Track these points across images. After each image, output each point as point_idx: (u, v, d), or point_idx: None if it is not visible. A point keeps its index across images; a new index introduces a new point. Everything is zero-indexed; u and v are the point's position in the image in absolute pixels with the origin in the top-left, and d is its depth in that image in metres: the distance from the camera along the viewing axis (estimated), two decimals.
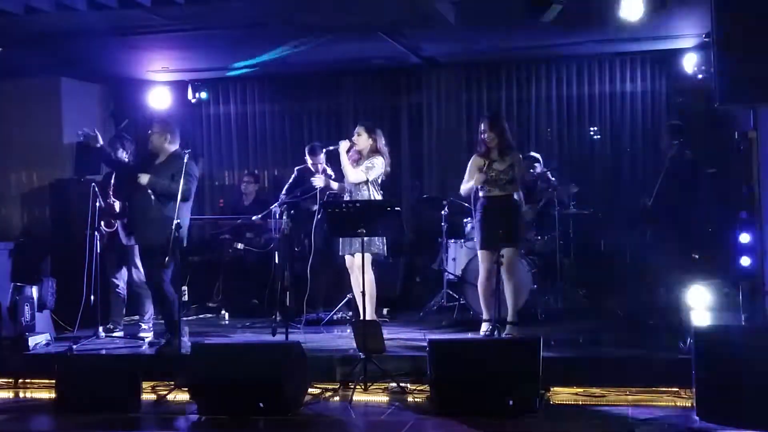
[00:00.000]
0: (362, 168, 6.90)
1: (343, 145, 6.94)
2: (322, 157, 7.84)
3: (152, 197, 6.61)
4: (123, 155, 7.53)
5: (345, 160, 6.91)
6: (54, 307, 7.86)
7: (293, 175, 8.26)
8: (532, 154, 8.60)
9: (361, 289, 6.46)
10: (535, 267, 7.76)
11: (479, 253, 6.81)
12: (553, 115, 9.32)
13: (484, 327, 6.77)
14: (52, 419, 5.79)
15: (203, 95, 9.71)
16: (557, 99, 9.30)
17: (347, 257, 6.95)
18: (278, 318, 7.30)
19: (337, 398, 5.88)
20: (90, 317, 7.40)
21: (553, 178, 8.23)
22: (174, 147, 6.90)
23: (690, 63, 8.26)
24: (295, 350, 5.77)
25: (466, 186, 6.80)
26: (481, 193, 6.76)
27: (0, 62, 7.82)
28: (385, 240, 6.88)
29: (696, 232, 7.64)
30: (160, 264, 6.56)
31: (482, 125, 6.79)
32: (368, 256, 6.74)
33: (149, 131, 7.04)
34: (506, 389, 5.26)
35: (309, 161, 8.14)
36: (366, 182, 6.88)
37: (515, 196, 6.74)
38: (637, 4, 6.58)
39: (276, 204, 8.03)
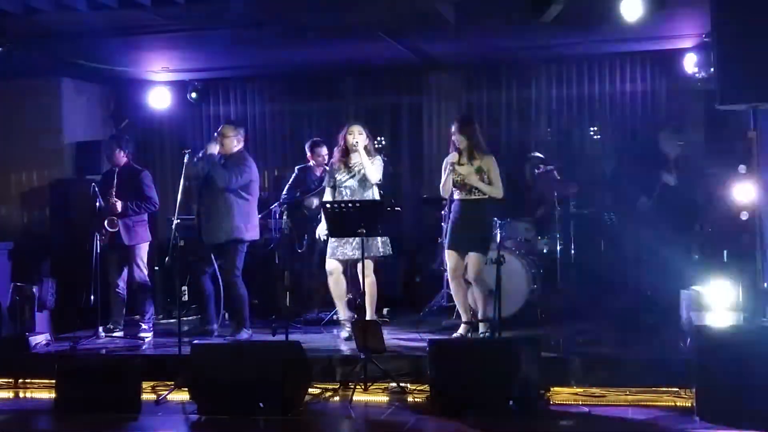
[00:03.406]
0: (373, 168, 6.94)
1: (362, 141, 6.92)
2: (324, 151, 7.88)
3: (226, 198, 6.97)
4: (121, 156, 7.54)
5: (366, 158, 6.89)
6: (54, 307, 7.86)
7: (294, 175, 8.26)
8: (536, 154, 8.59)
9: (341, 294, 6.63)
10: (535, 267, 7.76)
11: (445, 252, 6.88)
12: (553, 115, 9.32)
13: (461, 329, 6.80)
14: (52, 419, 5.79)
15: (194, 95, 9.71)
16: (557, 99, 9.28)
17: (332, 261, 6.95)
18: (278, 318, 7.30)
19: (337, 398, 5.88)
20: (90, 317, 7.40)
21: (559, 177, 8.21)
22: (239, 147, 7.23)
23: (690, 63, 8.26)
24: (295, 350, 5.77)
25: (441, 187, 6.83)
26: (454, 196, 6.81)
27: (0, 62, 7.81)
28: (388, 239, 6.90)
29: (696, 233, 7.64)
30: (231, 262, 7.03)
31: (452, 127, 6.80)
32: (370, 261, 6.80)
33: (219, 133, 7.21)
34: (506, 389, 5.27)
35: (309, 157, 8.15)
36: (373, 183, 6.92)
37: (484, 201, 6.68)
38: (636, 4, 6.58)
39: (276, 204, 8.03)
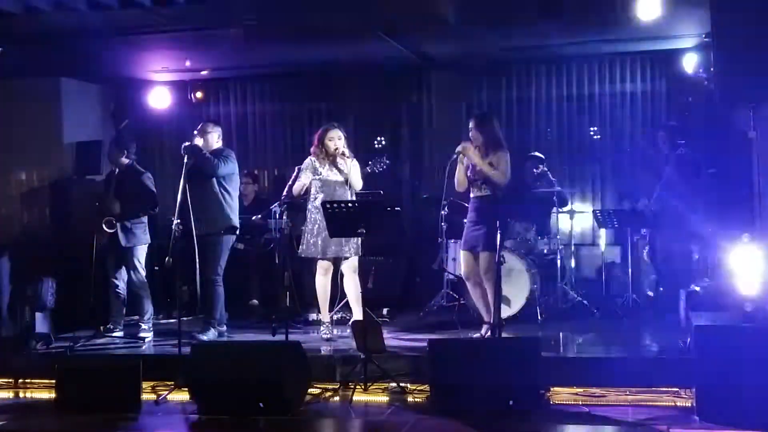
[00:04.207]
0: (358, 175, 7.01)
1: (342, 146, 6.99)
2: None
3: (213, 189, 7.10)
4: (122, 157, 7.53)
5: (355, 169, 6.95)
6: (54, 307, 7.86)
7: (294, 174, 8.25)
8: (536, 154, 8.60)
9: (328, 294, 6.78)
10: (536, 267, 7.77)
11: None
12: (553, 115, 9.32)
13: (483, 329, 6.77)
14: (52, 419, 5.78)
15: (199, 96, 9.71)
16: (557, 99, 9.29)
17: (324, 261, 6.99)
18: (278, 318, 7.30)
19: (337, 398, 5.88)
20: (90, 317, 7.40)
21: (554, 179, 8.23)
22: (219, 144, 7.39)
23: (690, 63, 8.26)
24: (295, 350, 5.77)
25: (455, 181, 6.80)
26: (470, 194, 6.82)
27: (0, 62, 7.81)
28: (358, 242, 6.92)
29: (696, 232, 7.64)
30: (212, 258, 7.05)
31: (470, 123, 6.81)
32: (355, 260, 6.87)
33: (200, 131, 7.32)
34: (506, 389, 5.26)
35: None
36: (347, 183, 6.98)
37: (495, 197, 6.61)
38: (654, 3, 6.55)
39: (276, 204, 8.03)
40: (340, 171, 7.00)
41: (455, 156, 6.65)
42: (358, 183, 7.03)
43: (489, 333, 6.63)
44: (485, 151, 6.65)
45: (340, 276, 7.19)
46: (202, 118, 9.92)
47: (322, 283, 7.05)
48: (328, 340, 6.96)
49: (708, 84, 7.68)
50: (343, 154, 6.95)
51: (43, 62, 8.47)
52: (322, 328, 7.09)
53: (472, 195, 6.77)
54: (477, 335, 6.73)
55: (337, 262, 7.06)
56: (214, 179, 7.12)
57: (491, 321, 6.63)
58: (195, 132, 7.36)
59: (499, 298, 6.27)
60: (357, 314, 6.88)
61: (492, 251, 6.51)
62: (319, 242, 6.93)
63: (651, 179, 7.87)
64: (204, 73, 9.40)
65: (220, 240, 7.13)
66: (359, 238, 6.79)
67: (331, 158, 7.02)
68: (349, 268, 6.92)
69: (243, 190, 9.18)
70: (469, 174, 6.69)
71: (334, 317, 7.63)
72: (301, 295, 8.05)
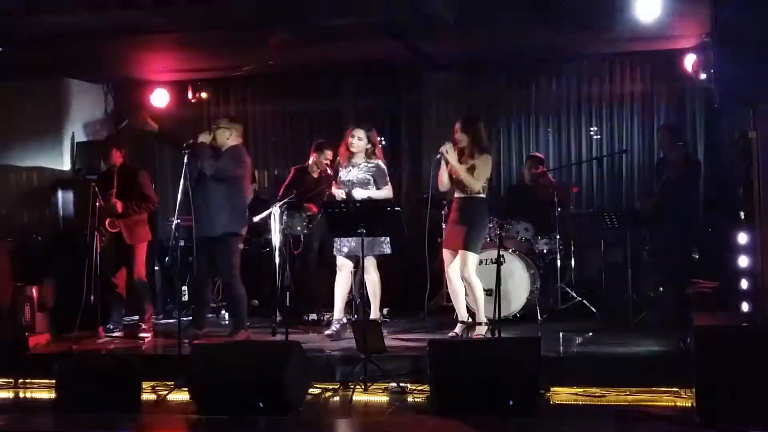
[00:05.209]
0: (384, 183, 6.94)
1: (361, 147, 6.92)
2: (329, 155, 7.90)
3: (218, 191, 6.90)
4: (118, 156, 7.53)
5: (376, 191, 6.88)
6: (54, 307, 7.86)
7: (291, 175, 8.27)
8: (536, 154, 8.59)
9: (344, 292, 6.66)
10: (535, 267, 7.77)
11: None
12: (552, 115, 9.32)
13: (456, 328, 6.78)
14: (52, 419, 5.78)
15: (204, 96, 9.71)
16: (557, 99, 9.29)
17: (341, 258, 6.96)
18: (278, 318, 7.30)
19: (337, 398, 5.88)
20: (90, 317, 7.40)
21: (554, 179, 8.24)
22: (233, 142, 7.11)
23: (690, 63, 8.26)
24: (295, 350, 5.77)
25: (439, 181, 6.80)
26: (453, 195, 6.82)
27: (0, 62, 7.82)
28: (387, 239, 6.90)
29: (696, 232, 7.65)
30: (221, 261, 6.95)
31: (456, 125, 6.79)
32: (372, 258, 6.79)
33: (213, 126, 7.19)
34: (506, 389, 5.26)
35: (313, 158, 8.15)
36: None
37: (474, 199, 6.63)
38: (654, 3, 6.56)
39: (276, 204, 8.04)
40: (353, 167, 6.93)
41: (438, 156, 6.65)
42: (383, 196, 6.85)
43: (463, 332, 6.68)
44: (470, 154, 6.66)
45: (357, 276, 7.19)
46: (201, 117, 10.00)
47: (339, 280, 7.02)
48: (329, 335, 6.93)
49: (708, 84, 7.68)
50: (350, 147, 6.88)
51: (43, 62, 8.48)
52: (331, 326, 7.06)
53: (454, 195, 6.77)
54: (451, 334, 6.74)
55: (355, 260, 7.03)
56: (217, 181, 6.96)
57: (465, 320, 6.73)
58: (212, 126, 7.28)
59: (498, 298, 6.27)
60: (373, 312, 6.90)
61: (469, 251, 6.56)
62: (349, 242, 6.89)
63: (651, 178, 7.87)
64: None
65: (224, 243, 7.01)
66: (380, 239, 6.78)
67: (351, 156, 6.96)
68: (368, 267, 6.90)
69: None
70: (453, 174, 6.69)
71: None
72: (300, 295, 8.05)
